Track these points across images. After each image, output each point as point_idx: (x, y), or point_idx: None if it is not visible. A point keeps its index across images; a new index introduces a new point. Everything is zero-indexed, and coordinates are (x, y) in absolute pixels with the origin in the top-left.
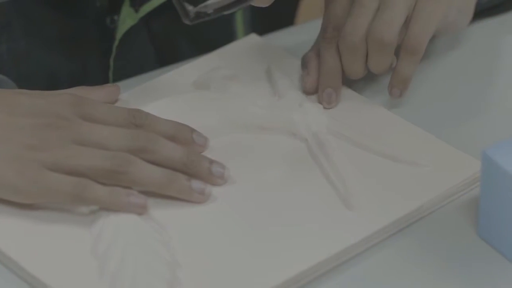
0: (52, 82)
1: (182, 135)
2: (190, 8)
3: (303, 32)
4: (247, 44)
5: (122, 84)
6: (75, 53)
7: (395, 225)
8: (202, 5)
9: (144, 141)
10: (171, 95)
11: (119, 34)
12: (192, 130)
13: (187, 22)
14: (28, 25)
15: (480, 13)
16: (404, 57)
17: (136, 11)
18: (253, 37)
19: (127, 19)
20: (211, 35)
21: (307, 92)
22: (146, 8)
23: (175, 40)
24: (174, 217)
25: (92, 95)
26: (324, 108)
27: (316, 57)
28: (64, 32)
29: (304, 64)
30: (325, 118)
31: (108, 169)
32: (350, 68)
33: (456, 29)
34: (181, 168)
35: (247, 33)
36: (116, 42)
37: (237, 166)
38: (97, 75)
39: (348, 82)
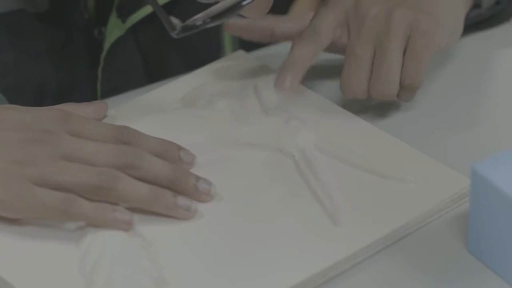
0: (40, 94)
1: (169, 152)
2: (176, 21)
3: (289, 49)
4: (234, 60)
5: (110, 100)
6: (64, 64)
7: (382, 241)
8: (190, 20)
9: (131, 157)
10: (159, 111)
11: (107, 45)
12: (179, 148)
13: (174, 35)
14: (16, 37)
15: (468, 28)
16: (402, 92)
17: (123, 21)
18: (241, 54)
19: (114, 30)
20: (198, 46)
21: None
22: (133, 19)
23: (163, 50)
24: (161, 233)
25: (80, 111)
26: (275, 89)
27: None
28: (52, 44)
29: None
30: (312, 134)
31: (95, 185)
32: None
33: (447, 48)
34: (167, 185)
35: (234, 44)
36: (104, 53)
37: (224, 182)
38: (85, 86)
39: (336, 98)
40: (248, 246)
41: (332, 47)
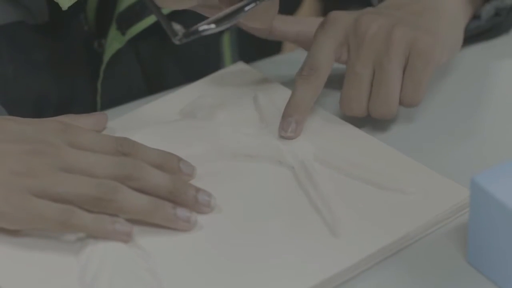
0: (40, 106)
1: (169, 164)
2: (178, 27)
3: (290, 61)
4: (234, 71)
5: (110, 112)
6: (63, 76)
7: (381, 252)
8: (194, 27)
9: (130, 169)
10: (159, 123)
11: (106, 57)
12: (179, 159)
13: (176, 42)
14: (16, 49)
15: (468, 39)
16: (403, 107)
17: (123, 34)
18: (241, 65)
19: (114, 42)
20: (198, 58)
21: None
22: (132, 31)
23: (163, 62)
24: (160, 245)
25: (80, 122)
26: (280, 136)
27: None
28: (52, 56)
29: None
30: (311, 145)
31: (94, 196)
32: None
33: (446, 62)
34: (167, 196)
35: (233, 56)
36: (103, 66)
37: (224, 194)
38: (85, 98)
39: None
40: (247, 258)
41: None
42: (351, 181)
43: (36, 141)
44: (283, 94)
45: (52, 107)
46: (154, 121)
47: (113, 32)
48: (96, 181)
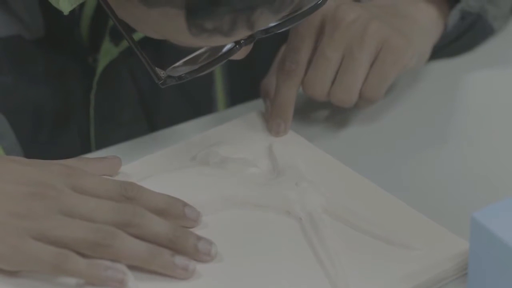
0: (39, 116)
1: (174, 209)
2: (161, 72)
3: None
4: (251, 120)
5: (111, 149)
6: (60, 88)
7: None
8: (170, 68)
9: (130, 216)
10: (171, 169)
11: (99, 69)
12: (184, 204)
13: (160, 85)
14: (15, 61)
15: (438, 50)
16: (361, 102)
17: (116, 45)
18: (257, 113)
19: (107, 54)
20: None
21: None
22: (125, 43)
23: None
24: None
25: (91, 167)
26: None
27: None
28: (48, 69)
29: (265, 93)
30: (321, 197)
31: (92, 241)
32: None
33: (413, 69)
34: (167, 244)
35: (224, 78)
36: (97, 77)
37: (227, 243)
38: (80, 110)
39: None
40: None
41: None
42: (357, 234)
43: (38, 183)
44: (298, 144)
45: (49, 118)
46: (166, 167)
47: (106, 44)
48: (94, 226)
